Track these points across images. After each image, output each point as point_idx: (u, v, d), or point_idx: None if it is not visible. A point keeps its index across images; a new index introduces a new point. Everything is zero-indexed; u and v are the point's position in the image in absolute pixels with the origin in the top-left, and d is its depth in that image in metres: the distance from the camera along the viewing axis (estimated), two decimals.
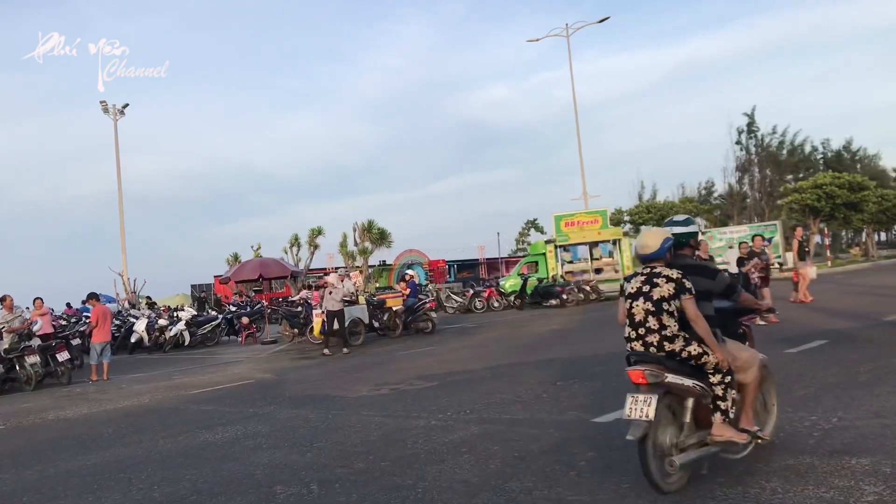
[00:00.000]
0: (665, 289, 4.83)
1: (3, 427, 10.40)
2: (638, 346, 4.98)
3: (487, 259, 58.48)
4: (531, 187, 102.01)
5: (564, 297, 26.61)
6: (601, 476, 5.18)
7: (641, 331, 4.93)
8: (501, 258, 58.59)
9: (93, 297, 16.30)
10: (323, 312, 17.16)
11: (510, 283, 30.42)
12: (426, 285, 28.70)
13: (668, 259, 5.10)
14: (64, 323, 22.95)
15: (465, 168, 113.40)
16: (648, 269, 5.02)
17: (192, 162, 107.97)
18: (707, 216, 59.06)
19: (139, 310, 27.59)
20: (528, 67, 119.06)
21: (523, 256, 42.36)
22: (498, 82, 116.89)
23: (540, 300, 27.43)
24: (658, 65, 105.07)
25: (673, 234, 5.19)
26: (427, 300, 20.98)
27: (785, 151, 59.79)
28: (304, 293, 25.14)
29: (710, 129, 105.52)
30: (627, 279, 5.19)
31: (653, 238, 5.06)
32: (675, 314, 4.83)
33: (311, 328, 19.05)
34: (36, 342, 15.14)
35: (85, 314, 24.84)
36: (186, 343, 21.92)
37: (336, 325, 16.75)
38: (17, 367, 14.62)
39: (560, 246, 29.87)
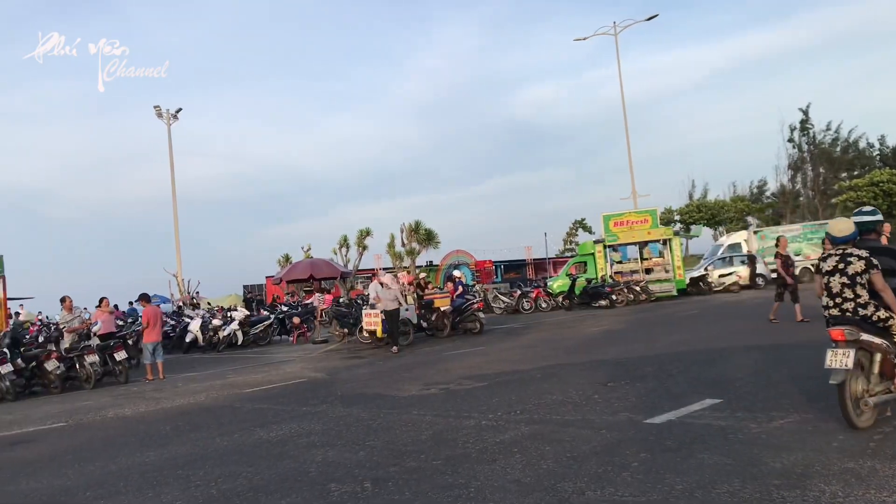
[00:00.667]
0: (857, 265, 6.02)
1: (65, 424, 10.71)
2: (835, 312, 6.15)
3: (535, 259, 58.28)
4: (579, 187, 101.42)
5: (614, 297, 26.41)
6: (654, 477, 5.14)
7: (839, 300, 6.12)
8: (549, 258, 58.33)
9: (144, 298, 16.68)
10: (380, 311, 17.67)
11: (558, 283, 30.29)
12: (473, 286, 28.68)
13: (856, 242, 6.24)
14: (121, 323, 23.53)
15: (512, 168, 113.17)
16: (841, 250, 6.20)
17: (242, 164, 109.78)
18: (759, 215, 58.03)
19: (196, 310, 28.10)
20: (574, 66, 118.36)
21: (571, 257, 42.15)
22: (544, 81, 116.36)
23: (589, 301, 27.25)
24: (707, 61, 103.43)
25: (862, 222, 6.36)
26: (475, 300, 21.00)
27: (839, 148, 58.35)
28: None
29: (761, 126, 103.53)
30: (823, 259, 6.35)
31: (846, 224, 6.24)
32: (866, 286, 5.99)
33: (361, 328, 19.24)
34: (95, 342, 15.56)
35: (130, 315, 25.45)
36: (240, 342, 22.31)
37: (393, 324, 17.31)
38: (78, 366, 15.06)
39: (609, 246, 29.62)
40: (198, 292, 36.49)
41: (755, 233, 34.80)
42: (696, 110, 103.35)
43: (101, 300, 17.04)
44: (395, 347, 17.07)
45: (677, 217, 56.58)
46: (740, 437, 6.07)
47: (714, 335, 14.14)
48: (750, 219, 57.78)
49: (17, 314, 31.35)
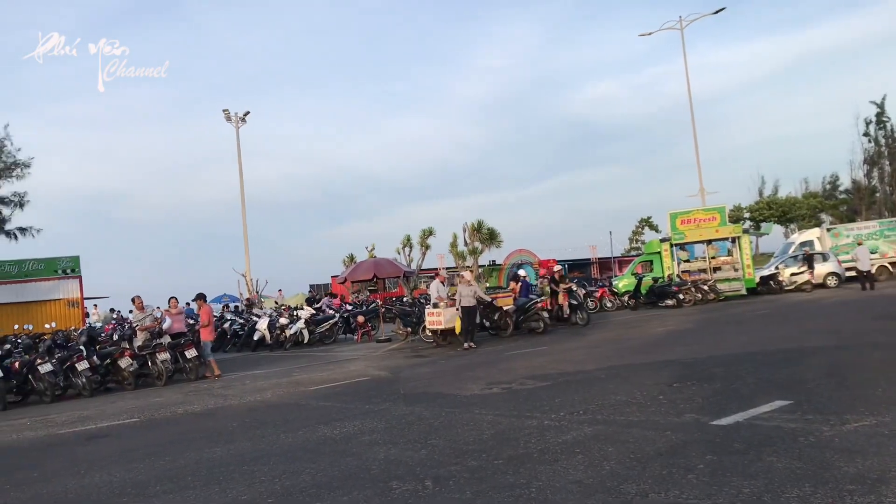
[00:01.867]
0: None
1: (138, 420, 11.03)
2: None
3: (599, 258, 57.67)
4: (644, 185, 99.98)
5: (681, 296, 25.94)
6: (720, 480, 5.01)
7: None
8: (614, 257, 57.65)
9: (200, 297, 17.10)
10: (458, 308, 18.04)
11: (624, 282, 29.90)
12: (536, 285, 28.53)
13: None
14: (191, 322, 24.12)
15: (575, 166, 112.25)
16: None
17: (309, 166, 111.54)
18: (832, 212, 56.27)
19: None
20: (637, 62, 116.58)
21: (637, 255, 41.54)
22: (606, 78, 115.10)
23: (655, 300, 26.83)
24: (777, 54, 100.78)
25: None
26: (539, 300, 20.87)
27: None
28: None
29: (834, 120, 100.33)
30: None
31: None
32: None
33: (424, 327, 19.33)
34: (166, 340, 16.00)
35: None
36: (306, 341, 22.65)
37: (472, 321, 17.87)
38: (150, 364, 15.52)
39: (676, 244, 29.11)
40: (280, 290, 37.23)
41: (828, 230, 33.72)
42: (766, 105, 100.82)
43: (169, 300, 17.53)
44: (468, 344, 17.34)
45: (747, 214, 55.28)
46: (811, 440, 5.87)
47: (785, 335, 13.76)
48: (823, 216, 56.12)
49: (113, 312, 32.49)
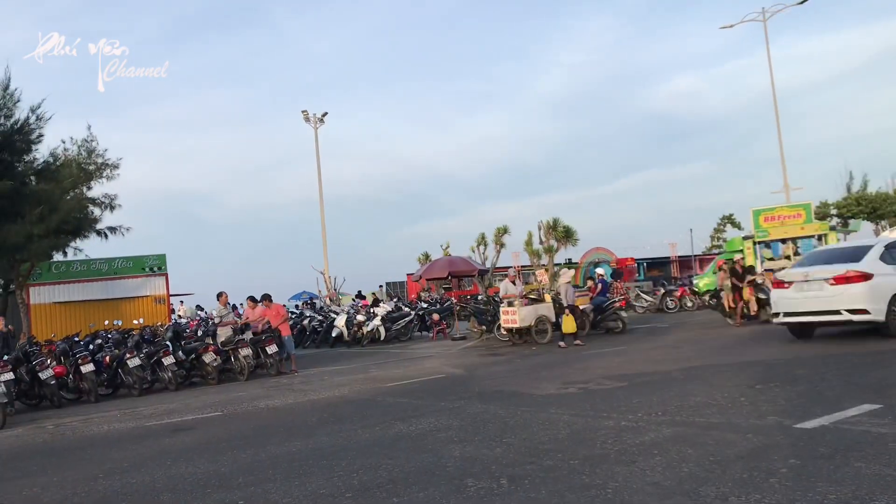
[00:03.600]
0: None
1: (221, 413, 11.36)
2: None
3: (679, 257, 56.47)
4: (725, 181, 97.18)
5: (764, 296, 25.20)
6: (804, 485, 4.86)
7: None
8: (695, 255, 56.37)
9: (266, 298, 17.46)
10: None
11: (705, 281, 29.17)
12: (613, 283, 28.18)
13: None
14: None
15: (653, 163, 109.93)
16: None
17: (383, 165, 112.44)
18: None
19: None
20: (717, 56, 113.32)
21: (719, 253, 40.53)
22: (685, 72, 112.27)
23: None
24: (867, 44, 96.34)
25: None
26: (617, 299, 20.61)
27: None
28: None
29: None
30: None
31: None
32: None
33: (499, 325, 19.32)
34: (248, 335, 16.43)
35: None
36: (382, 338, 22.92)
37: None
38: (232, 359, 15.97)
39: (759, 242, 28.31)
40: (335, 289, 37.71)
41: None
42: (854, 98, 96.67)
43: (248, 299, 18.00)
44: (565, 342, 17.26)
45: (834, 211, 53.21)
46: None
47: (875, 336, 13.23)
48: None
49: (200, 309, 33.56)
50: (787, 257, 28.25)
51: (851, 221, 52.85)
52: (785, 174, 38.28)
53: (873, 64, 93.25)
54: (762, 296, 18.71)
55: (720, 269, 20.76)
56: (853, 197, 54.19)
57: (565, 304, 17.76)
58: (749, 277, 19.21)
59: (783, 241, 28.39)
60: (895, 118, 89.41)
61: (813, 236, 28.32)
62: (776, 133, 40.20)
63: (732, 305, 19.22)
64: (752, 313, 18.94)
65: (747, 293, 19.01)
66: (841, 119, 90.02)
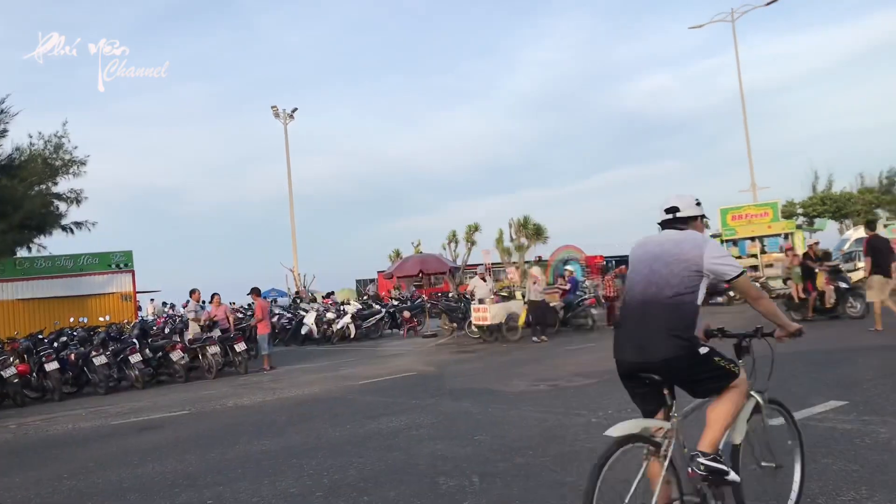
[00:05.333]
0: None
1: (189, 412, 11.22)
2: None
3: None
4: (694, 180, 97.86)
5: (731, 294, 25.50)
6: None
7: None
8: None
9: (255, 292, 17.37)
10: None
11: None
12: (583, 281, 28.31)
13: None
14: (241, 316, 24.46)
15: (624, 161, 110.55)
16: None
17: (355, 162, 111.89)
18: (889, 208, 54.75)
19: (313, 303, 28.93)
20: (689, 55, 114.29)
21: None
22: (657, 72, 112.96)
23: (706, 298, 26.32)
24: (833, 46, 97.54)
25: None
26: (587, 297, 20.72)
27: None
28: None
29: (892, 113, 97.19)
30: None
31: None
32: None
33: (470, 322, 19.33)
34: (216, 333, 16.26)
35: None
36: (352, 336, 22.81)
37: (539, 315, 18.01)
38: (201, 357, 15.79)
39: (727, 240, 28.65)
40: (304, 286, 37.56)
41: (885, 226, 32.84)
42: (821, 99, 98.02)
43: (212, 296, 17.81)
44: (536, 338, 17.55)
45: (800, 210, 54.02)
46: (868, 441, 5.72)
47: (840, 334, 13.43)
48: (879, 211, 54.63)
49: (166, 306, 33.14)
50: (755, 255, 28.65)
51: (817, 220, 53.68)
52: (752, 173, 38.86)
53: (838, 66, 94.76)
54: (843, 285, 16.33)
55: (792, 255, 18.23)
56: (819, 196, 55.06)
57: (526, 300, 18.14)
58: (827, 263, 16.64)
59: (750, 239, 28.75)
60: (858, 119, 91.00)
61: (779, 235, 28.74)
62: (744, 132, 40.71)
63: (802, 296, 16.63)
64: (828, 306, 16.32)
65: (823, 282, 16.34)
66: (807, 119, 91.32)
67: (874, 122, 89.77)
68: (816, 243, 17.81)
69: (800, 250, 20.90)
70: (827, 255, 16.94)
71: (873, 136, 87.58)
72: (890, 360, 10.02)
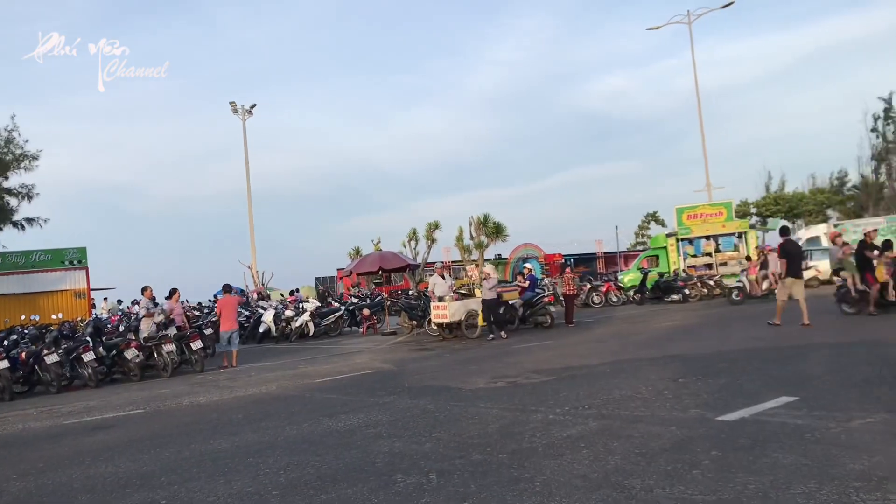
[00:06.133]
0: None
1: (143, 411, 11.05)
2: None
3: (605, 253, 57.60)
4: (651, 179, 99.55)
5: (687, 291, 25.88)
6: (725, 476, 4.99)
7: None
8: (620, 252, 57.60)
9: (225, 288, 17.20)
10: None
11: (629, 277, 29.84)
12: (542, 279, 28.50)
13: None
14: (197, 314, 24.17)
15: (583, 161, 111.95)
16: None
17: (315, 159, 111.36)
18: (839, 208, 56.03)
19: (268, 301, 28.69)
20: (647, 56, 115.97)
21: (643, 250, 41.45)
22: (616, 72, 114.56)
23: (661, 295, 26.77)
24: (787, 49, 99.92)
25: None
26: (545, 294, 20.86)
27: None
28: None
29: (843, 115, 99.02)
30: None
31: None
32: None
33: (429, 320, 19.34)
34: (172, 331, 16.04)
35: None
36: (311, 333, 22.71)
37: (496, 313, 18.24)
38: (156, 355, 15.55)
39: (682, 239, 29.07)
40: (263, 283, 37.24)
41: (835, 226, 33.61)
42: (775, 100, 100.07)
43: (171, 291, 17.59)
44: (494, 335, 17.80)
45: (753, 210, 55.03)
46: (817, 436, 5.85)
47: (791, 332, 13.71)
48: (830, 211, 55.85)
49: (121, 304, 32.54)
50: (709, 254, 29.11)
51: (770, 220, 54.74)
52: (707, 174, 39.54)
53: (791, 69, 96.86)
54: None
55: (840, 242, 17.21)
56: (772, 196, 56.18)
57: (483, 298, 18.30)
58: (890, 254, 15.37)
59: (705, 238, 29.22)
60: (810, 121, 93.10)
61: (733, 234, 29.28)
62: (700, 133, 41.34)
63: (861, 288, 15.65)
64: (893, 298, 15.32)
65: (884, 273, 15.26)
66: (761, 121, 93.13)
67: (826, 124, 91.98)
68: (875, 230, 16.88)
69: (825, 242, 20.03)
70: (888, 245, 15.58)
71: (825, 137, 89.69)
72: (839, 357, 10.23)
